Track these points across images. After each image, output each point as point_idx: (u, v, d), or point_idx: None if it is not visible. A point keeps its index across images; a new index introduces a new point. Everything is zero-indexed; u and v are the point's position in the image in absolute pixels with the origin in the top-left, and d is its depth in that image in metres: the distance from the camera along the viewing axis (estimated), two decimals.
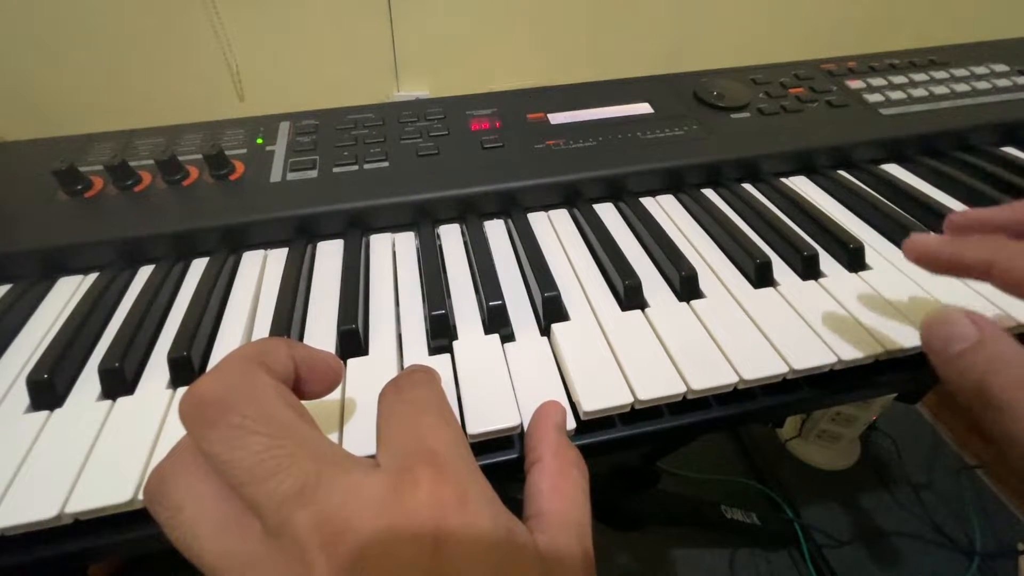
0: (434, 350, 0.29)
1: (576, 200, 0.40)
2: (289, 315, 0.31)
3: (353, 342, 0.29)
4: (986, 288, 0.31)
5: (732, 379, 0.26)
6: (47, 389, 0.27)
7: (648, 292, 0.32)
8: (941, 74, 0.49)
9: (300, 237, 0.37)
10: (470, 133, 0.43)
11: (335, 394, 0.22)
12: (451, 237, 0.38)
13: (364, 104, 0.47)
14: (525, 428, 0.24)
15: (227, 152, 0.40)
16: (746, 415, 0.28)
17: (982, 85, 0.48)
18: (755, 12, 1.31)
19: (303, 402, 0.19)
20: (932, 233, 0.35)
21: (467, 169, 0.40)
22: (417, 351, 0.29)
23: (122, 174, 0.38)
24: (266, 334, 0.30)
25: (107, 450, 0.24)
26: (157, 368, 0.29)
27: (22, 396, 0.27)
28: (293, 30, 1.17)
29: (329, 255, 0.36)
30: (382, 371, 0.28)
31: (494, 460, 0.25)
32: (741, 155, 0.42)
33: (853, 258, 0.34)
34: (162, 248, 0.36)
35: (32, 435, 0.25)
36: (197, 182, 0.39)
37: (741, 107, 0.46)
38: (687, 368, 0.27)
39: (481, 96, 0.47)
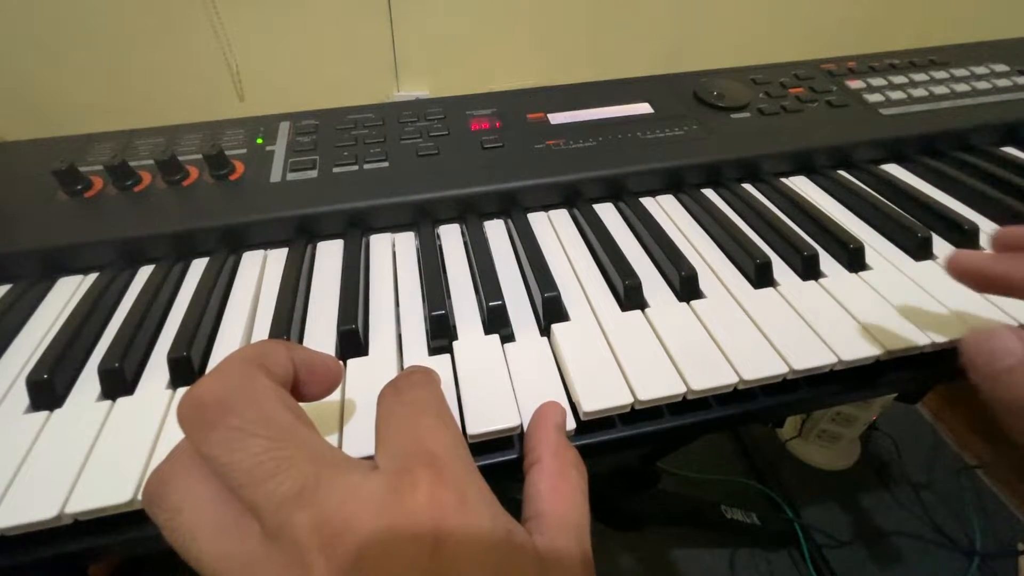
0: (434, 350, 0.29)
1: (576, 200, 0.40)
2: (289, 315, 0.31)
3: (353, 342, 0.29)
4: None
5: (732, 379, 0.26)
6: (47, 389, 0.27)
7: (648, 292, 0.32)
8: (941, 74, 0.49)
9: (300, 237, 0.37)
10: (470, 133, 0.43)
11: (335, 395, 0.22)
12: (451, 237, 0.38)
13: (364, 104, 0.47)
14: (525, 428, 0.24)
15: (227, 152, 0.40)
16: (746, 415, 0.28)
17: (982, 85, 0.48)
18: (755, 12, 1.30)
19: (302, 404, 0.19)
20: (978, 250, 0.33)
21: (467, 169, 0.40)
22: (417, 351, 0.29)
23: (122, 174, 0.38)
24: (266, 334, 0.30)
25: (107, 450, 0.24)
26: (157, 368, 0.29)
27: (22, 396, 0.27)
28: (293, 30, 1.17)
29: (329, 255, 0.36)
30: (382, 371, 0.28)
31: (494, 460, 0.25)
32: (741, 155, 0.42)
33: (853, 258, 0.34)
34: (162, 248, 0.36)
35: (32, 435, 0.25)
36: (197, 182, 0.39)
37: (741, 107, 0.46)
38: (687, 368, 0.27)
39: (481, 96, 0.47)
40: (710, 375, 0.26)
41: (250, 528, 0.15)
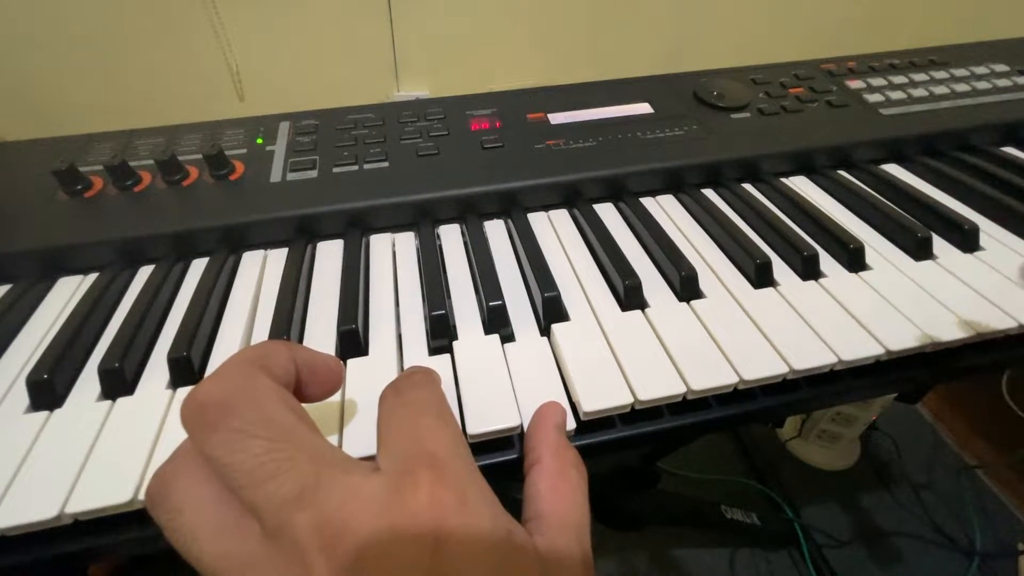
0: (434, 350, 0.29)
1: (576, 200, 0.40)
2: (289, 315, 0.31)
3: (353, 342, 0.29)
4: (986, 288, 0.31)
5: (732, 379, 0.26)
6: (47, 389, 0.27)
7: (648, 292, 0.32)
8: (941, 74, 0.49)
9: (300, 237, 0.37)
10: (470, 133, 0.43)
11: (335, 395, 0.22)
12: (451, 237, 0.38)
13: (364, 104, 0.47)
14: (525, 428, 0.24)
15: (227, 152, 0.40)
16: (746, 415, 0.28)
17: (982, 85, 0.48)
18: (755, 12, 1.31)
19: (304, 404, 0.19)
20: None
21: (467, 169, 0.40)
22: (417, 351, 0.29)
23: (122, 174, 0.38)
24: (266, 334, 0.30)
25: (107, 450, 0.24)
26: (157, 368, 0.29)
27: (22, 396, 0.27)
28: (293, 30, 1.17)
29: (329, 255, 0.36)
30: (382, 371, 0.28)
31: (494, 460, 0.25)
32: (741, 155, 0.42)
33: (853, 258, 0.34)
34: (162, 248, 0.36)
35: (32, 435, 0.25)
36: (197, 182, 0.39)
37: (741, 107, 0.46)
38: (687, 368, 0.27)
39: (481, 96, 0.47)
40: (710, 375, 0.26)
41: (251, 529, 0.15)
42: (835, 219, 0.37)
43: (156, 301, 0.32)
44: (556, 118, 0.45)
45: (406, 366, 0.28)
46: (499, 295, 0.31)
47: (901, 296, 0.31)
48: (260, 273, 0.35)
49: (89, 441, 0.25)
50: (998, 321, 0.29)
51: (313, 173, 0.39)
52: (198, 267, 0.36)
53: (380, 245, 0.37)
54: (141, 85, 1.19)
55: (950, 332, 0.29)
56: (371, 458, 0.18)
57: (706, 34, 1.32)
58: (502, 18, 1.22)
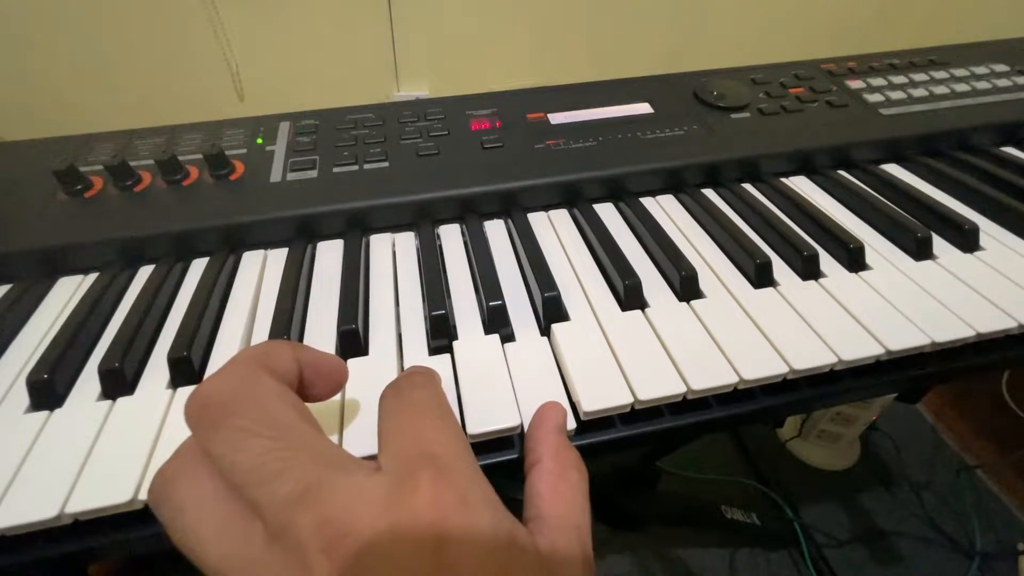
0: (434, 350, 0.29)
1: (576, 200, 0.40)
2: (289, 315, 0.31)
3: (353, 342, 0.29)
4: (986, 288, 0.31)
5: (732, 379, 0.26)
6: (47, 389, 0.27)
7: (648, 292, 0.32)
8: (941, 74, 0.49)
9: (300, 237, 0.37)
10: (470, 133, 0.43)
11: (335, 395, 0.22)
12: (451, 237, 0.38)
13: (364, 104, 0.47)
14: (525, 428, 0.24)
15: (227, 152, 0.40)
16: (746, 415, 0.28)
17: (982, 85, 0.48)
18: (755, 12, 1.31)
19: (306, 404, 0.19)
20: None
21: (467, 169, 0.40)
22: (417, 351, 0.29)
23: (122, 174, 0.38)
24: (266, 334, 0.30)
25: (107, 450, 0.24)
26: (157, 368, 0.29)
27: (22, 396, 0.27)
28: (293, 30, 1.17)
29: (329, 255, 0.36)
30: (382, 371, 0.28)
31: (494, 460, 0.25)
32: (741, 155, 0.42)
33: (853, 258, 0.34)
34: (162, 248, 0.36)
35: (32, 435, 0.25)
36: (197, 182, 0.39)
37: (741, 107, 0.46)
38: (687, 368, 0.27)
39: (481, 96, 0.47)
40: (710, 375, 0.26)
41: (253, 528, 0.15)
42: (835, 219, 0.37)
43: (156, 301, 0.32)
44: (556, 118, 0.45)
45: (406, 366, 0.28)
46: (499, 295, 0.31)
47: (901, 296, 0.31)
48: (260, 273, 0.35)
49: (89, 441, 0.25)
50: (998, 321, 0.29)
51: (313, 173, 0.39)
52: (198, 267, 0.36)
53: (380, 245, 0.37)
54: (141, 85, 1.19)
55: (950, 332, 0.29)
56: (371, 458, 0.18)
57: (706, 34, 1.32)
58: (502, 18, 1.22)
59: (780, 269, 0.34)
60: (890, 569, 0.93)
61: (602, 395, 0.26)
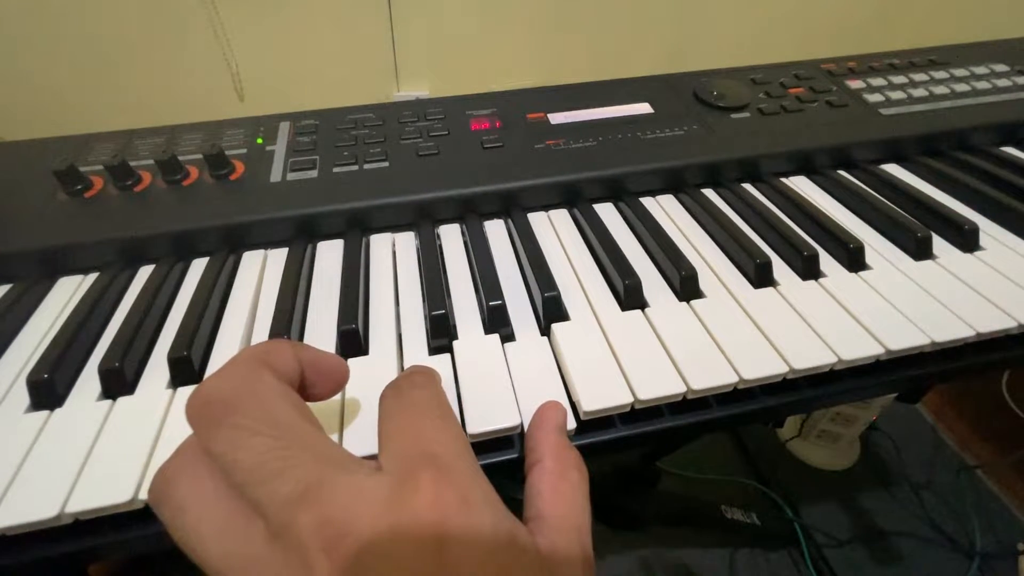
0: (434, 350, 0.29)
1: (576, 200, 0.40)
2: (289, 315, 0.31)
3: (353, 342, 0.29)
4: (986, 288, 0.31)
5: (732, 379, 0.26)
6: (47, 389, 0.27)
7: (648, 292, 0.32)
8: (941, 74, 0.49)
9: (300, 237, 0.37)
10: (470, 133, 0.43)
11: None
12: (451, 237, 0.38)
13: (364, 104, 0.47)
14: (525, 428, 0.24)
15: (227, 152, 0.40)
16: (746, 415, 0.28)
17: (982, 85, 0.48)
18: (755, 12, 1.31)
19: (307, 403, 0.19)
20: None
21: (467, 169, 0.40)
22: (417, 351, 0.29)
23: (122, 174, 0.38)
24: (266, 334, 0.30)
25: (107, 450, 0.24)
26: (157, 368, 0.29)
27: (22, 396, 0.27)
28: (293, 30, 1.17)
29: (329, 255, 0.36)
30: (382, 371, 0.28)
31: (494, 460, 0.25)
32: (741, 155, 0.42)
33: (853, 258, 0.34)
34: (162, 248, 0.36)
35: (32, 435, 0.25)
36: (197, 182, 0.39)
37: (741, 107, 0.46)
38: (687, 368, 0.27)
39: (481, 96, 0.47)
40: (710, 375, 0.26)
41: (254, 527, 0.15)
42: (835, 219, 0.37)
43: (156, 301, 0.32)
44: (556, 118, 0.45)
45: (406, 366, 0.28)
46: (499, 295, 0.31)
47: (901, 296, 0.31)
48: (260, 273, 0.35)
49: (89, 441, 0.25)
50: (998, 321, 0.29)
51: (313, 173, 0.39)
52: (198, 267, 0.36)
53: (380, 245, 0.37)
54: (141, 85, 1.19)
55: (950, 332, 0.29)
56: (372, 457, 0.18)
57: (706, 34, 1.32)
58: (502, 18, 1.22)
59: (780, 269, 0.34)
60: (890, 569, 0.93)
61: (602, 395, 0.26)
